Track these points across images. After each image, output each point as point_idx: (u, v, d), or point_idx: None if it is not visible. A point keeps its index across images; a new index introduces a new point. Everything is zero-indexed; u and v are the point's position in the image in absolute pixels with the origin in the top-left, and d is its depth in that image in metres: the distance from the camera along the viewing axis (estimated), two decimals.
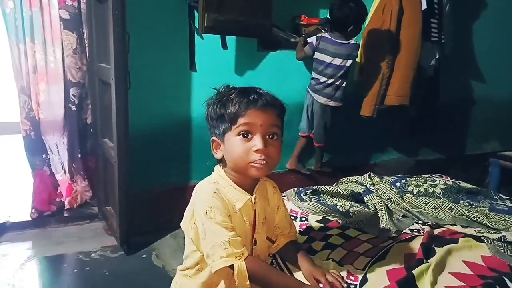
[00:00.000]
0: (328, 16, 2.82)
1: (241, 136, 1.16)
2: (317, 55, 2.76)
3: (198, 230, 1.17)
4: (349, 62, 2.73)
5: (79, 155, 2.77)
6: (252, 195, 1.24)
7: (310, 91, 2.83)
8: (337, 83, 2.75)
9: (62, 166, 2.77)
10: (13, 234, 2.59)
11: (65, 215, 2.77)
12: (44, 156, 2.68)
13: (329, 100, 2.78)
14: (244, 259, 1.13)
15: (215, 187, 1.20)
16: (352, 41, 2.72)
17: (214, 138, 1.23)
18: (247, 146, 1.15)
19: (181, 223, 1.27)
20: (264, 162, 1.15)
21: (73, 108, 2.69)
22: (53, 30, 2.54)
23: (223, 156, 1.22)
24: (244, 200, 1.22)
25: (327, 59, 2.73)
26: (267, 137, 1.16)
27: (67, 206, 2.79)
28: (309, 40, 2.78)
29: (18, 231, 2.62)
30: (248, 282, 1.13)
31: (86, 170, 2.82)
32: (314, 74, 2.81)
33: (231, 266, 1.13)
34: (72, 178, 2.78)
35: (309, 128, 2.91)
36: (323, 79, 2.76)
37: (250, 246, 1.25)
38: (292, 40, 2.83)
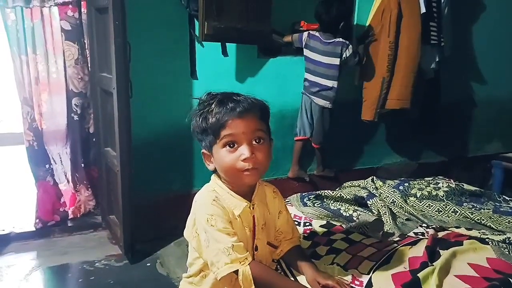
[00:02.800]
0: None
1: (227, 147, 1.16)
2: (308, 53, 2.78)
3: (200, 239, 1.18)
4: (338, 60, 2.73)
5: (82, 165, 2.79)
6: (250, 201, 1.25)
7: (307, 94, 2.84)
8: (330, 85, 2.76)
9: (66, 175, 2.78)
10: (18, 245, 2.59)
11: (69, 224, 2.77)
12: (47, 166, 2.70)
13: (327, 102, 2.80)
14: (249, 264, 1.14)
15: (214, 195, 1.21)
16: (339, 39, 2.74)
17: (204, 151, 1.24)
18: (234, 156, 1.16)
19: (184, 232, 1.28)
20: (253, 169, 1.16)
21: (76, 118, 2.70)
22: (55, 41, 2.56)
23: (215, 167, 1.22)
24: (242, 206, 1.22)
25: (318, 57, 2.75)
26: (253, 142, 1.17)
27: (70, 216, 2.79)
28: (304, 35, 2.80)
29: (23, 242, 2.62)
30: (253, 287, 1.13)
31: (89, 180, 2.83)
32: (306, 75, 2.83)
33: (236, 272, 1.13)
34: (75, 187, 2.79)
35: (310, 130, 2.91)
36: (318, 79, 2.77)
37: (251, 252, 1.25)
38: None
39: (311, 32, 2.77)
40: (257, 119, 1.18)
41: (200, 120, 1.19)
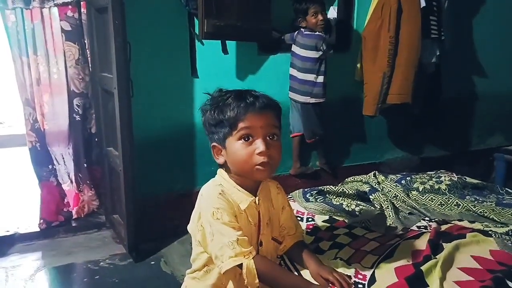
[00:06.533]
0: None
1: (243, 140, 1.17)
2: (294, 48, 2.81)
3: (205, 232, 1.18)
4: (313, 53, 2.74)
5: (85, 165, 2.79)
6: (255, 196, 1.25)
7: (289, 92, 2.86)
8: (310, 78, 2.77)
9: (69, 176, 2.79)
10: (22, 245, 2.61)
11: (73, 224, 2.79)
12: (50, 167, 2.71)
13: (308, 97, 2.80)
14: (253, 258, 1.14)
15: (220, 188, 1.22)
16: (317, 32, 2.75)
17: (214, 144, 1.24)
18: (249, 149, 1.17)
19: (188, 226, 1.28)
20: (267, 164, 1.17)
21: (78, 118, 2.71)
22: (55, 41, 2.57)
23: (226, 161, 1.23)
24: (248, 201, 1.23)
25: (297, 50, 2.79)
26: (268, 138, 1.18)
27: (74, 216, 2.81)
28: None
29: (27, 242, 2.64)
30: (257, 281, 1.13)
31: (92, 179, 2.84)
32: (290, 70, 2.85)
33: (240, 266, 1.13)
34: (78, 187, 2.80)
35: (300, 126, 2.91)
36: (296, 73, 2.79)
37: (256, 247, 1.25)
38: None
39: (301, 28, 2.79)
40: (274, 116, 1.21)
41: (216, 112, 1.19)
